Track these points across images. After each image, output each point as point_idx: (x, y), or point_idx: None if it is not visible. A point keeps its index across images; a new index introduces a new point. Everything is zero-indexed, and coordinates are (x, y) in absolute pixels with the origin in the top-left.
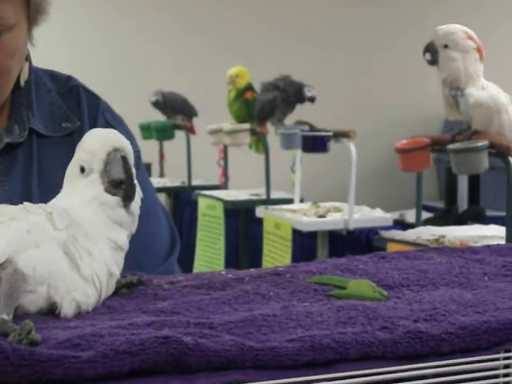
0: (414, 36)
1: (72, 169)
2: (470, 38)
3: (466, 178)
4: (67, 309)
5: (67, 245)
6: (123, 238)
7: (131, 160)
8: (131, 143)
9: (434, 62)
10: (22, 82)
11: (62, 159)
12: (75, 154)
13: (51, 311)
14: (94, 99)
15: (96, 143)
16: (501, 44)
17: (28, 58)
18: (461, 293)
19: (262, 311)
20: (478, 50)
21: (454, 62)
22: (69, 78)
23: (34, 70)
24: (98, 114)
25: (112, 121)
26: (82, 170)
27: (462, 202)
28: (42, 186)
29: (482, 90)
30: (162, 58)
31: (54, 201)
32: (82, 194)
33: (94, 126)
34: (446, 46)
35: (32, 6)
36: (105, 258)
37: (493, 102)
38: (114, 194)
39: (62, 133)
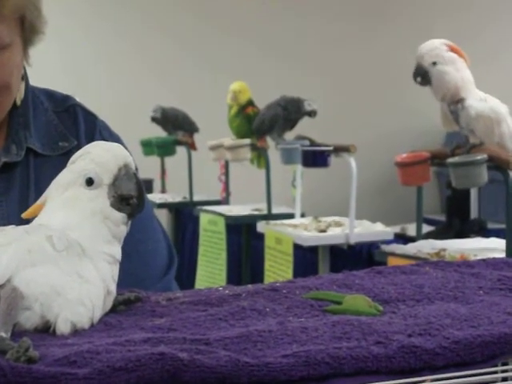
0: (414, 48)
1: (72, 178)
2: (452, 48)
3: (476, 191)
4: (63, 327)
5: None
6: (120, 251)
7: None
8: None
9: (426, 82)
10: (18, 101)
11: None
12: (77, 164)
13: (46, 329)
14: (91, 118)
15: (108, 157)
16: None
17: (24, 78)
18: (456, 307)
19: (258, 327)
20: (463, 57)
21: (447, 76)
22: (66, 97)
23: (30, 89)
24: (96, 132)
25: (109, 139)
26: (90, 181)
27: (474, 215)
28: None
29: (481, 101)
30: (162, 74)
31: (49, 215)
32: (84, 206)
33: None
34: (434, 64)
35: (27, 26)
36: (103, 275)
37: (493, 113)
38: (119, 210)
39: (59, 152)
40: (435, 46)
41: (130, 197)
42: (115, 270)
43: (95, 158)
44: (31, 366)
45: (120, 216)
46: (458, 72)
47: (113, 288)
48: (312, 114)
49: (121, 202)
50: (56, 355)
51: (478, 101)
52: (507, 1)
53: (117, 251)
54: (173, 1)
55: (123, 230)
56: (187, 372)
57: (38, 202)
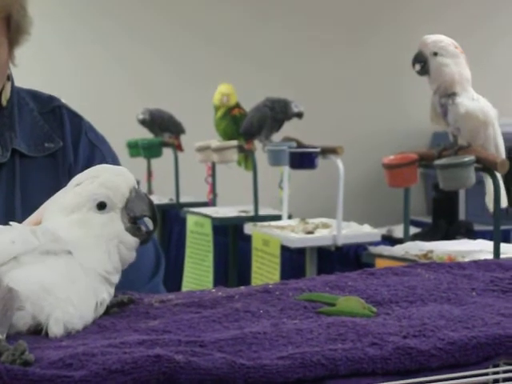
0: (401, 49)
1: (80, 201)
2: (456, 47)
3: (463, 193)
4: (55, 329)
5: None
6: (117, 279)
7: None
8: (114, 162)
9: (424, 72)
10: (4, 102)
11: (45, 179)
12: (85, 187)
13: (38, 331)
14: (76, 119)
15: (119, 181)
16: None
17: (10, 78)
18: (449, 308)
19: (253, 329)
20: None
21: (446, 68)
22: (50, 98)
23: (16, 90)
24: (81, 133)
25: (95, 140)
26: (102, 206)
27: (461, 216)
28: (25, 205)
29: (473, 100)
30: (148, 75)
31: (57, 230)
32: (99, 231)
33: (76, 145)
34: (435, 54)
35: (13, 26)
36: (95, 290)
37: (482, 115)
38: (134, 235)
39: (44, 153)
40: (441, 39)
41: (144, 217)
42: (110, 291)
43: (106, 183)
44: (27, 368)
45: (133, 241)
46: (457, 67)
47: (105, 296)
48: (299, 115)
49: (138, 229)
50: (51, 358)
51: (470, 99)
52: (491, 5)
53: (115, 278)
54: (155, 4)
55: (133, 255)
56: (183, 374)
57: (30, 220)
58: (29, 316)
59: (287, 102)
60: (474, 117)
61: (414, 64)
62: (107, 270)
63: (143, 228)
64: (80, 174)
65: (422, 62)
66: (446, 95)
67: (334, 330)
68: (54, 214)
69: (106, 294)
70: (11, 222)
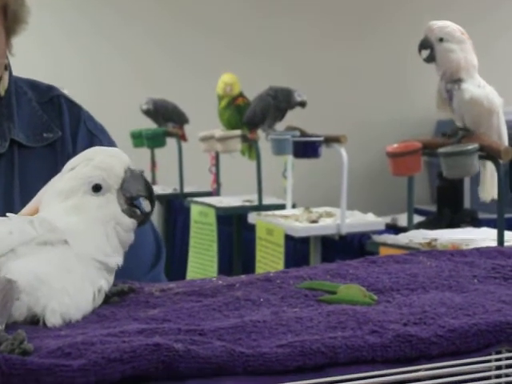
0: (404, 38)
1: (75, 185)
2: (462, 33)
3: (468, 181)
4: (53, 319)
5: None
6: (120, 260)
7: None
8: None
9: (431, 58)
10: (2, 92)
11: (44, 169)
12: (79, 171)
13: (35, 321)
14: (75, 108)
15: (114, 162)
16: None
17: (8, 68)
18: (450, 296)
19: (253, 317)
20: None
21: (452, 53)
22: (49, 88)
23: (14, 80)
24: (80, 123)
25: (94, 129)
26: (97, 188)
27: (466, 205)
28: (24, 196)
29: (479, 87)
30: (152, 65)
31: (53, 217)
32: (95, 213)
33: (75, 135)
34: (441, 40)
35: (10, 16)
36: (91, 277)
37: (487, 102)
38: (131, 216)
39: (43, 143)
40: (447, 25)
41: (139, 197)
42: (109, 278)
43: (100, 165)
44: (25, 358)
45: (131, 222)
46: (463, 52)
47: (103, 284)
48: (302, 104)
49: (133, 210)
50: (50, 347)
51: (476, 86)
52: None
53: (115, 262)
54: None
55: (131, 237)
56: (182, 363)
57: (27, 209)
58: (24, 306)
59: (290, 91)
60: (478, 103)
61: (420, 50)
62: (106, 253)
63: (139, 209)
64: (74, 158)
65: (428, 48)
66: (452, 81)
67: (334, 317)
68: (51, 200)
69: (104, 282)
70: (9, 214)
